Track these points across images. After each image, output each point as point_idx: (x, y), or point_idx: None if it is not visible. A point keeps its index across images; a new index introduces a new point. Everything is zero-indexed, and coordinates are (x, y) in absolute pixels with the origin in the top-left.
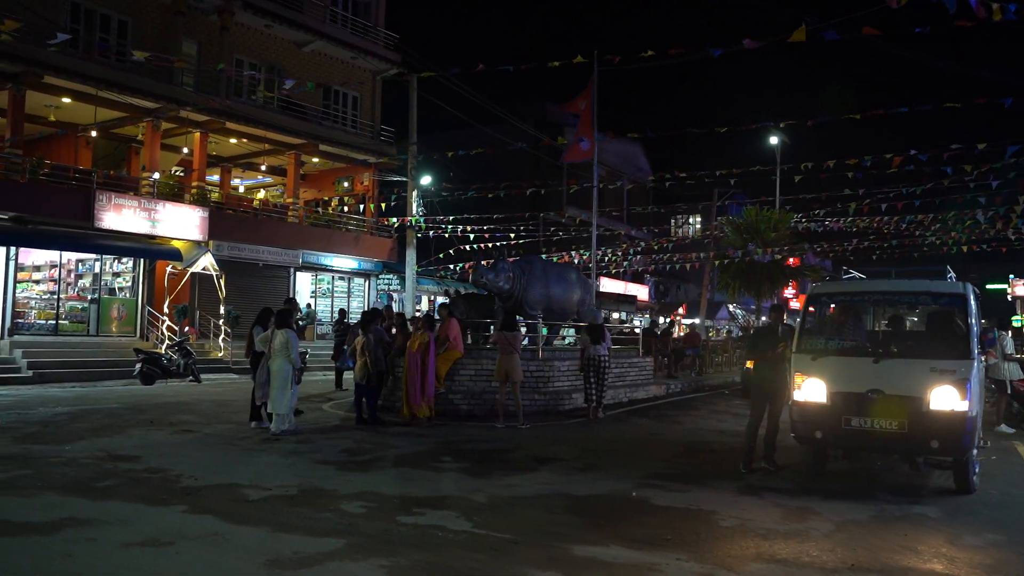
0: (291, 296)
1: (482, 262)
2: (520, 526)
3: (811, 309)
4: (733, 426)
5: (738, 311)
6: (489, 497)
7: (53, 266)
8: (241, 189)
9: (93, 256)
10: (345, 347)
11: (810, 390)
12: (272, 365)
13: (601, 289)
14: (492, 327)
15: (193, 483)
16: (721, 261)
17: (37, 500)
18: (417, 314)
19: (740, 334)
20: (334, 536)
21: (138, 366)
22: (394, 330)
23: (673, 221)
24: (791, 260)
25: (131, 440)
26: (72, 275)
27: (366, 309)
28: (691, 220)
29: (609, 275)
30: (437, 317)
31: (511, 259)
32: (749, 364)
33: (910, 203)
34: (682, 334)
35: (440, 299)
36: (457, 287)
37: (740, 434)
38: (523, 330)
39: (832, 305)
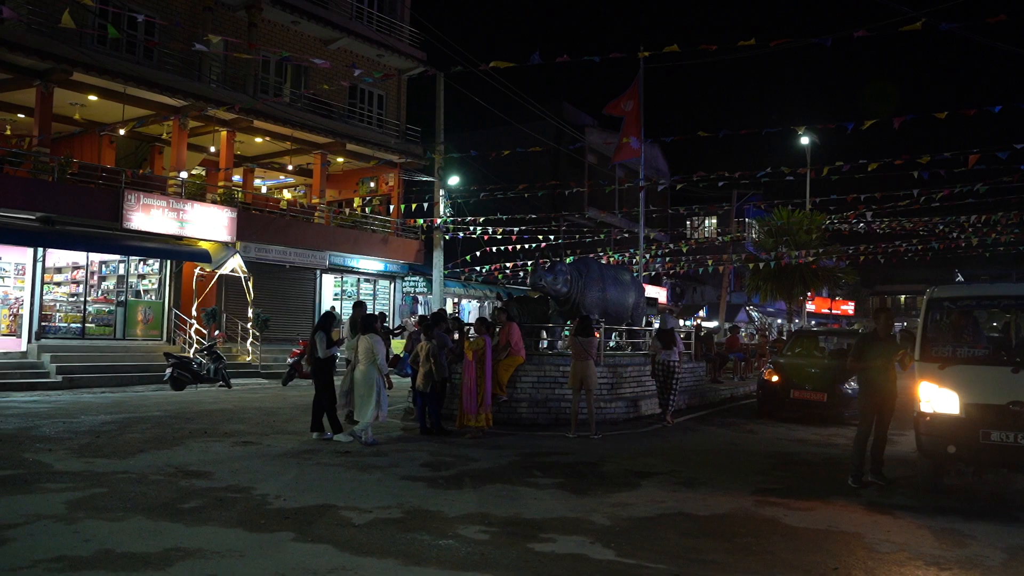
0: (358, 300)
1: (540, 263)
2: (667, 553)
3: (932, 315)
4: (808, 435)
5: (754, 313)
6: (610, 518)
7: (75, 268)
8: (263, 190)
9: (117, 258)
10: (404, 353)
11: (940, 401)
12: (356, 372)
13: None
14: (544, 332)
15: (283, 504)
16: (755, 264)
17: (128, 524)
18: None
19: (775, 337)
20: (475, 570)
21: (168, 371)
22: (456, 335)
23: (689, 223)
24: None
25: (194, 454)
26: (95, 277)
27: (424, 313)
28: (707, 222)
29: None
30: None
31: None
32: (769, 376)
33: (951, 204)
34: (724, 338)
35: (465, 302)
36: (484, 290)
37: (822, 444)
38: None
39: (951, 310)
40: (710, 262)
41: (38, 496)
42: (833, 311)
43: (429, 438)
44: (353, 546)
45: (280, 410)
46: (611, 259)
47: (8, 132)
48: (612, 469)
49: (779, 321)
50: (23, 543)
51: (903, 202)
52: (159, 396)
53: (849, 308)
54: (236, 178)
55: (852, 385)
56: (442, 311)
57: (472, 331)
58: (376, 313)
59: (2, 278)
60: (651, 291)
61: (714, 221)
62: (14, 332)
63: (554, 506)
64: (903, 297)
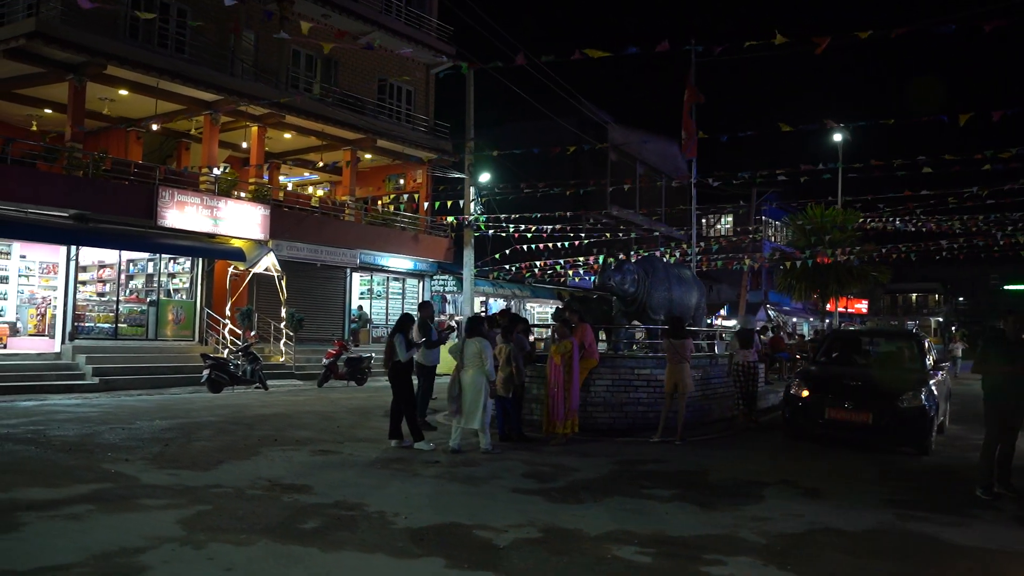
0: (425, 301)
1: (606, 262)
2: None
3: None
4: None
5: (771, 312)
6: (759, 534)
7: (102, 266)
8: (288, 187)
9: (145, 257)
10: None
11: None
12: (464, 377)
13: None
14: (604, 333)
15: (408, 523)
16: (792, 262)
17: (259, 549)
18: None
19: (811, 338)
20: None
21: (206, 372)
22: (532, 337)
23: (705, 221)
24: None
25: (277, 465)
26: (123, 276)
27: (497, 313)
28: (723, 220)
29: None
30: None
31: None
32: (798, 390)
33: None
34: (767, 337)
35: (492, 301)
36: (513, 288)
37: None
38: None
39: None
40: (747, 260)
41: (144, 515)
42: (848, 310)
43: (512, 445)
44: (516, 574)
45: (336, 414)
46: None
47: (34, 128)
48: (720, 479)
49: (794, 320)
50: (162, 571)
51: (951, 200)
52: (201, 399)
53: (863, 306)
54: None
55: (912, 400)
56: (516, 314)
57: (553, 333)
58: (483, 315)
59: (27, 277)
60: None
61: (730, 219)
62: (43, 332)
63: (690, 521)
64: (914, 296)
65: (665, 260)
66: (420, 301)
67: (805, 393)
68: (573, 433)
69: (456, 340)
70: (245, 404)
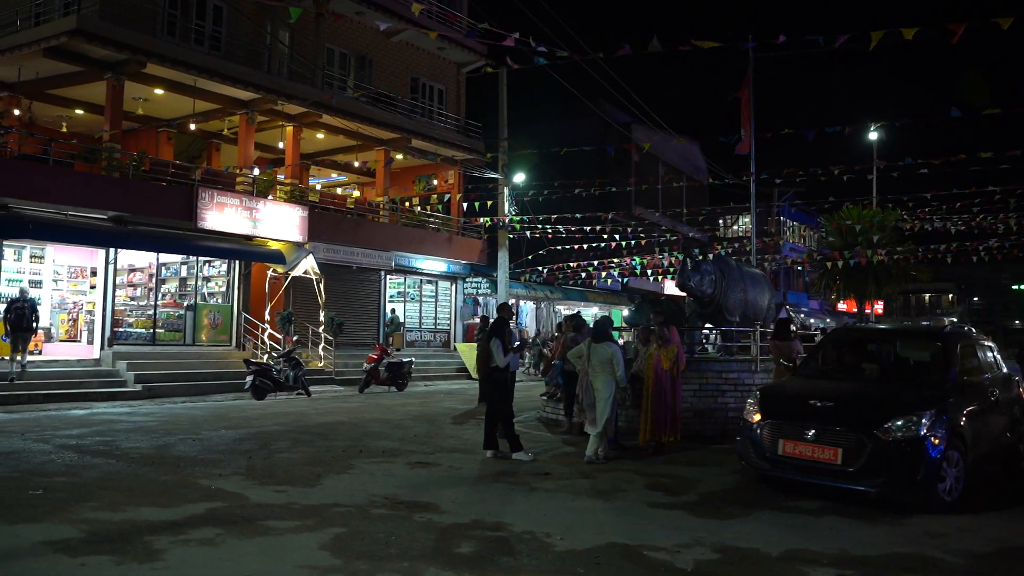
0: (503, 303)
1: (683, 261)
2: None
3: None
4: None
5: (791, 312)
6: (947, 552)
7: (132, 270)
8: (318, 188)
9: (178, 260)
10: (558, 361)
11: None
12: (596, 383)
13: (666, 292)
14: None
15: (568, 544)
16: (832, 263)
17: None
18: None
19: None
20: None
21: (250, 379)
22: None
23: (722, 222)
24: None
25: (379, 479)
26: (154, 280)
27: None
28: (739, 221)
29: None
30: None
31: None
32: (751, 413)
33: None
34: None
35: (523, 304)
36: (545, 291)
37: None
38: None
39: None
40: (789, 261)
41: (280, 539)
42: (866, 310)
43: (615, 455)
44: None
45: (403, 422)
46: (674, 259)
47: (64, 129)
48: None
49: (811, 320)
50: None
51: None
52: (251, 406)
53: (879, 307)
54: (282, 176)
55: (904, 429)
56: (607, 317)
57: (644, 337)
58: (608, 317)
59: (56, 282)
60: None
61: (747, 220)
62: (74, 337)
63: (863, 537)
64: (927, 296)
65: (738, 261)
66: (500, 303)
67: (756, 417)
68: (675, 442)
69: (581, 344)
70: (301, 412)
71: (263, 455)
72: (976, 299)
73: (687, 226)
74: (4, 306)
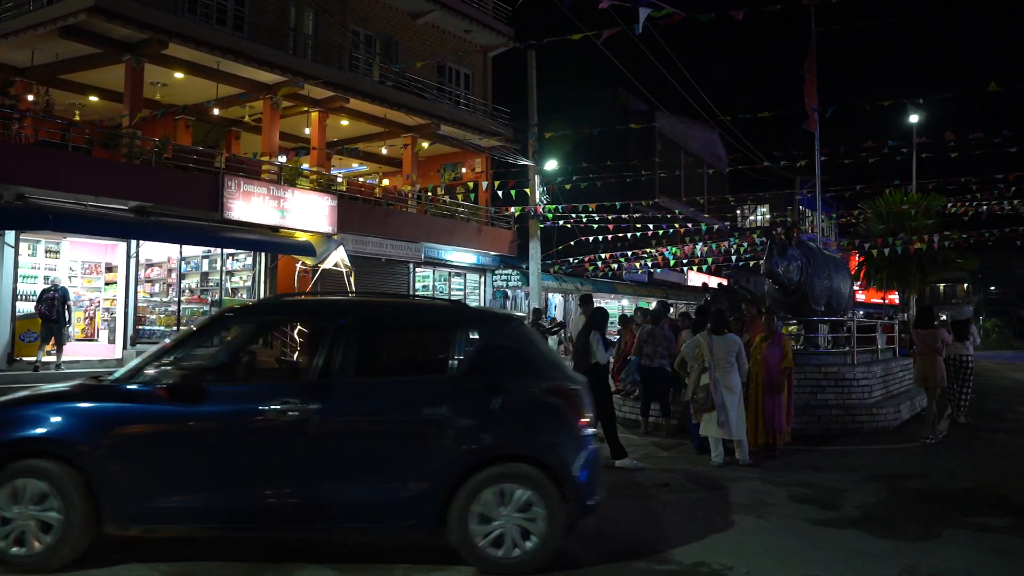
0: (585, 294)
1: (772, 246)
2: None
3: None
4: None
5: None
6: None
7: (150, 265)
8: (339, 178)
9: (200, 253)
10: (634, 357)
11: None
12: (725, 380)
13: (689, 283)
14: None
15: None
16: (873, 252)
17: None
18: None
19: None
20: None
21: None
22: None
23: (739, 212)
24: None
25: None
26: (174, 275)
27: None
28: (758, 210)
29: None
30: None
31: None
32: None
33: None
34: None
35: (552, 297)
36: (575, 282)
37: None
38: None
39: None
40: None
41: None
42: (884, 300)
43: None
44: None
45: None
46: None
47: (77, 117)
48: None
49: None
50: None
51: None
52: None
53: (895, 297)
54: (306, 166)
55: None
56: (720, 309)
57: (750, 326)
58: (720, 308)
59: (70, 278)
60: (714, 281)
61: (766, 209)
62: (91, 336)
63: None
64: (942, 286)
65: (820, 247)
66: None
67: None
68: (788, 442)
69: (696, 337)
70: None
71: None
72: (993, 288)
73: (709, 215)
74: (35, 299)
